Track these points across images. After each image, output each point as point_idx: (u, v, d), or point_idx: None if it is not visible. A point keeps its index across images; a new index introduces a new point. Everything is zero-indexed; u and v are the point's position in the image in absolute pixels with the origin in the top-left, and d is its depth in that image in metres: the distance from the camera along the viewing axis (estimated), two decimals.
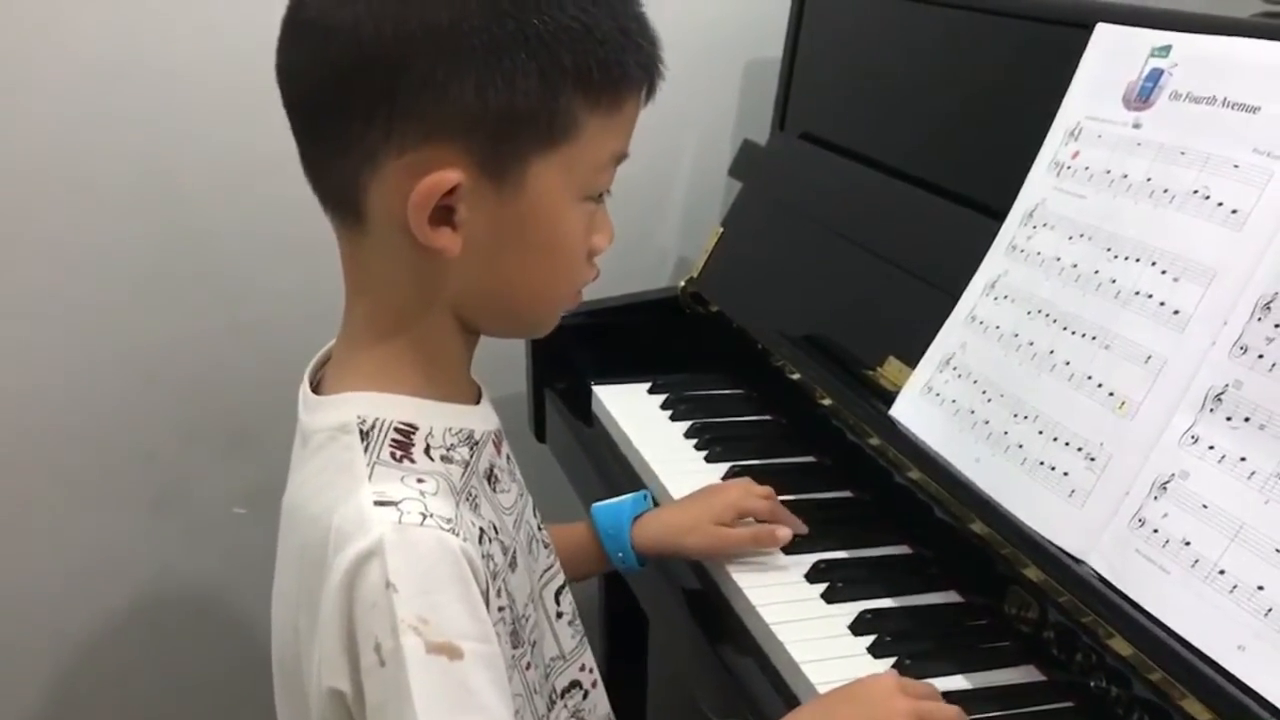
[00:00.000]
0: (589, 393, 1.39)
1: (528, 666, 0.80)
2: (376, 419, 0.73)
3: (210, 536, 1.57)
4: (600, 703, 0.93)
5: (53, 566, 1.51)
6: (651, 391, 1.38)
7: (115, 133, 1.37)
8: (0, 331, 1.40)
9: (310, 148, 0.73)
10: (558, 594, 0.90)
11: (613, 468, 1.26)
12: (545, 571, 0.89)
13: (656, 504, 1.08)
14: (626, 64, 0.71)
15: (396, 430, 0.73)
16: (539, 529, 0.89)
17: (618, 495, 1.08)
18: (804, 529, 1.06)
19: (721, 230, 1.43)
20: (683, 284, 1.45)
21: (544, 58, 0.67)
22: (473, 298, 0.75)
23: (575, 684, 0.91)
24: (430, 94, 0.67)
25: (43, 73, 1.32)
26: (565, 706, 0.89)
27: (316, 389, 0.78)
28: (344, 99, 0.68)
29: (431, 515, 0.69)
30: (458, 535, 0.69)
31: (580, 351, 1.41)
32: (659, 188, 1.64)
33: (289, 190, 0.75)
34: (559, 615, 0.89)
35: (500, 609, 0.75)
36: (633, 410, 1.33)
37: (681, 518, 1.05)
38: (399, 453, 0.72)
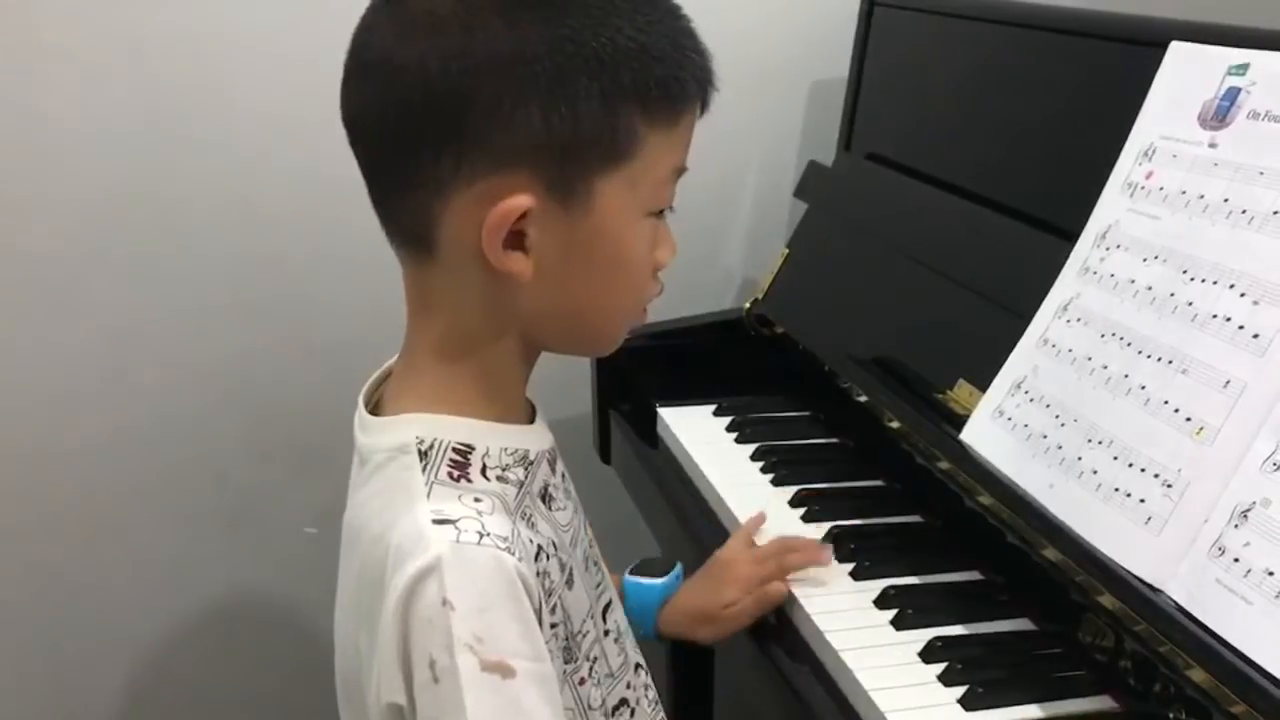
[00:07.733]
0: (654, 414, 1.39)
1: (580, 682, 0.81)
2: (435, 439, 0.74)
3: (281, 554, 1.59)
4: None
5: (128, 579, 1.54)
6: (717, 413, 1.37)
7: (195, 159, 1.41)
8: (81, 350, 1.44)
9: (380, 184, 0.74)
10: (605, 611, 0.90)
11: (678, 490, 1.26)
12: (595, 588, 0.89)
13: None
14: (683, 79, 0.72)
15: (454, 450, 0.74)
16: (590, 545, 0.89)
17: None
18: (828, 560, 1.05)
19: (787, 251, 1.43)
20: (748, 305, 1.44)
21: (605, 79, 0.69)
22: (542, 318, 0.76)
23: (623, 702, 0.91)
24: (497, 124, 0.68)
25: (126, 102, 1.37)
26: None
27: (375, 410, 0.80)
28: (412, 134, 0.69)
29: (489, 534, 0.70)
30: (513, 554, 0.70)
31: (645, 373, 1.41)
32: (724, 208, 1.64)
33: (361, 215, 0.77)
34: (606, 633, 0.90)
35: (553, 625, 0.76)
36: (698, 432, 1.33)
37: (695, 605, 1.06)
38: (456, 472, 0.73)
